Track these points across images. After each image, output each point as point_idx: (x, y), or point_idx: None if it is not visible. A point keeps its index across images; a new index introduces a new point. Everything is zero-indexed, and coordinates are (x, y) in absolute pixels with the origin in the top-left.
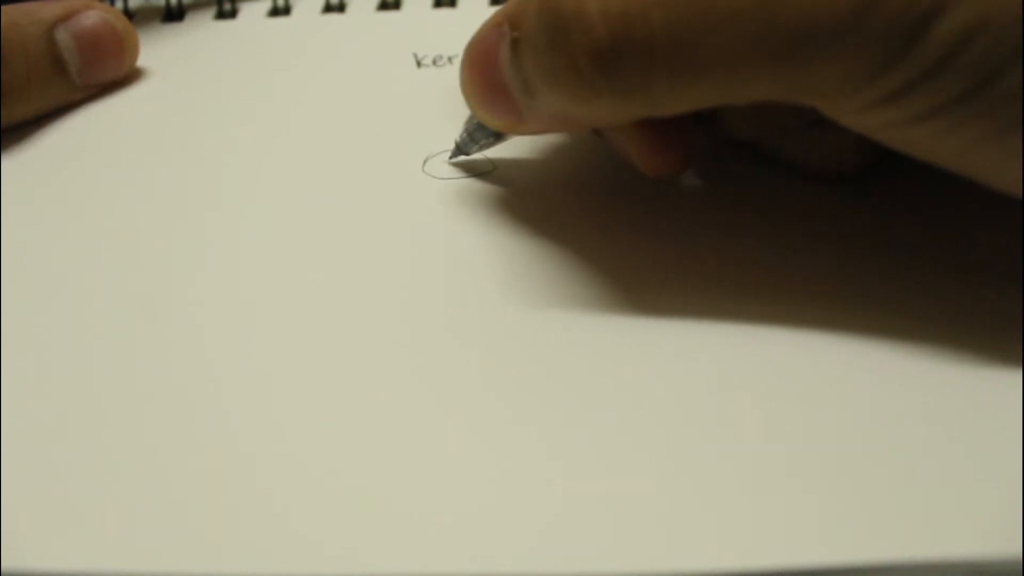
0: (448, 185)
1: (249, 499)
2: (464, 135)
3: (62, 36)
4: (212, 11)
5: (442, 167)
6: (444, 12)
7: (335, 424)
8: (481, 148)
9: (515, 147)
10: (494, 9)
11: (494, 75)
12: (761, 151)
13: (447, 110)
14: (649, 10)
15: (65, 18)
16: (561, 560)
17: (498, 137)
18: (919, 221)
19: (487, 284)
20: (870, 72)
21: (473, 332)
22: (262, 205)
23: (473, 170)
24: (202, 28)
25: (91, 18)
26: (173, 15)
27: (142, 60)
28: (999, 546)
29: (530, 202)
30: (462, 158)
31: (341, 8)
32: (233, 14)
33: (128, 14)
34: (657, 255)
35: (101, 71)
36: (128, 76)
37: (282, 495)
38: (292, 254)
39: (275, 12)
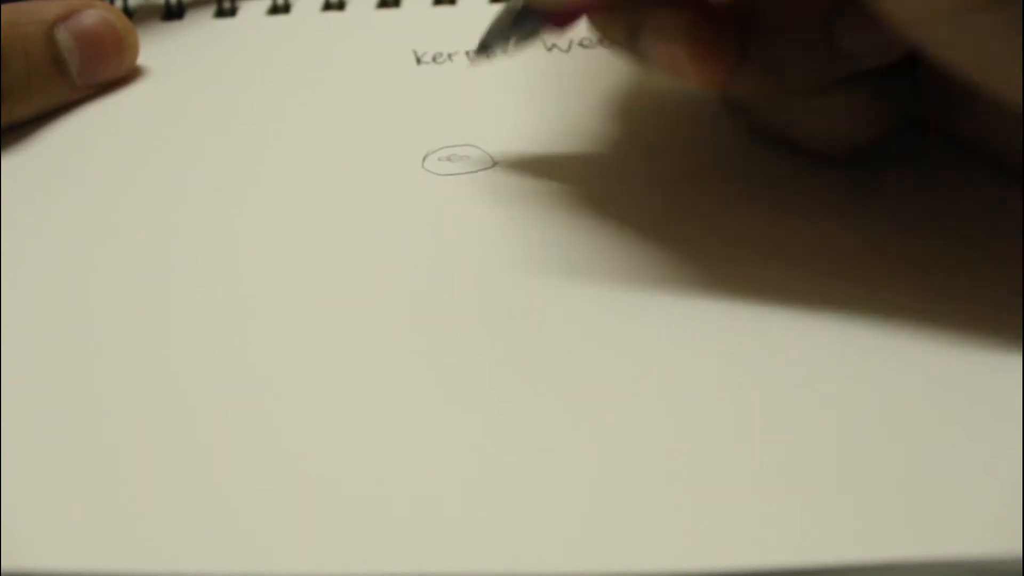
0: (448, 181)
1: (250, 499)
2: (494, 29)
3: (62, 36)
4: (212, 9)
5: (442, 164)
6: (444, 9)
7: (337, 423)
8: (508, 45)
9: (516, 144)
10: (494, 7)
11: None
12: (767, 125)
13: (447, 107)
14: None
15: (65, 17)
16: (561, 559)
17: (531, 32)
18: (919, 211)
19: (487, 281)
20: None
21: (473, 331)
22: (263, 203)
23: (473, 166)
24: (202, 26)
25: (91, 17)
26: (173, 13)
27: (142, 58)
28: (999, 546)
29: (529, 198)
30: (487, 54)
31: (341, 6)
32: (233, 12)
33: (128, 12)
34: (660, 245)
35: (101, 70)
36: (128, 75)
37: (283, 495)
38: (292, 251)
39: (275, 10)
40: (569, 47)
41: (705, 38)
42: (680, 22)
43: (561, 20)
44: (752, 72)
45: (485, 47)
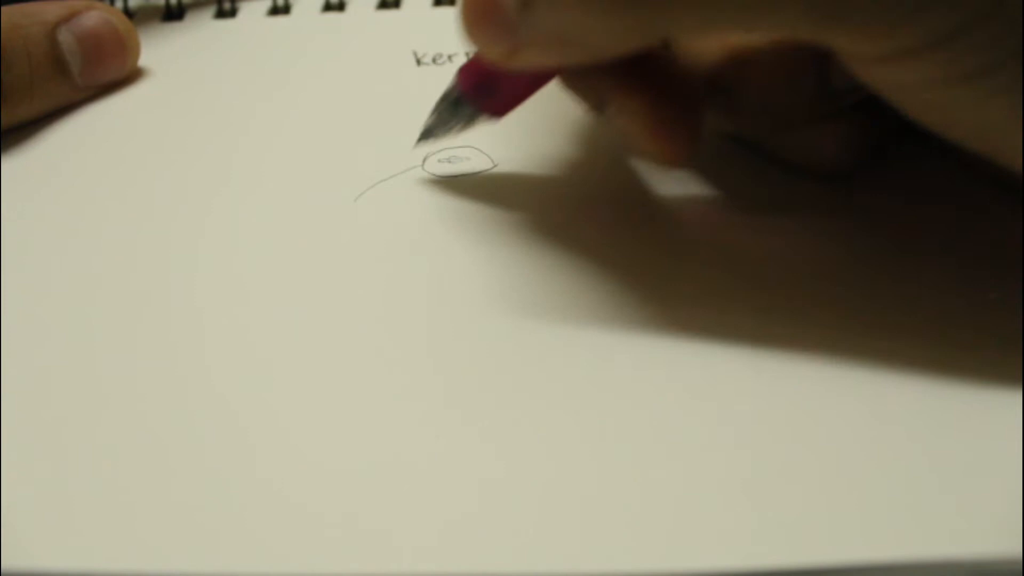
0: (449, 183)
1: (249, 499)
2: (434, 118)
3: (64, 37)
4: (212, 10)
5: (442, 165)
6: (444, 10)
7: (335, 424)
8: (449, 133)
9: (517, 144)
10: None
11: None
12: (759, 148)
13: None
14: None
15: (67, 19)
16: (563, 560)
17: (469, 122)
18: (917, 219)
19: (486, 281)
20: (910, 6)
21: (470, 332)
22: (262, 204)
23: (473, 168)
24: (202, 27)
25: (93, 19)
26: (173, 14)
27: (142, 59)
28: (999, 546)
29: (530, 201)
30: (431, 141)
31: (341, 7)
32: (233, 13)
33: (128, 13)
34: (655, 255)
35: (103, 72)
36: (129, 76)
37: (283, 495)
38: (292, 252)
39: (275, 11)
40: None
41: (664, 121)
42: (638, 106)
43: (497, 108)
44: (745, 114)
45: (428, 134)
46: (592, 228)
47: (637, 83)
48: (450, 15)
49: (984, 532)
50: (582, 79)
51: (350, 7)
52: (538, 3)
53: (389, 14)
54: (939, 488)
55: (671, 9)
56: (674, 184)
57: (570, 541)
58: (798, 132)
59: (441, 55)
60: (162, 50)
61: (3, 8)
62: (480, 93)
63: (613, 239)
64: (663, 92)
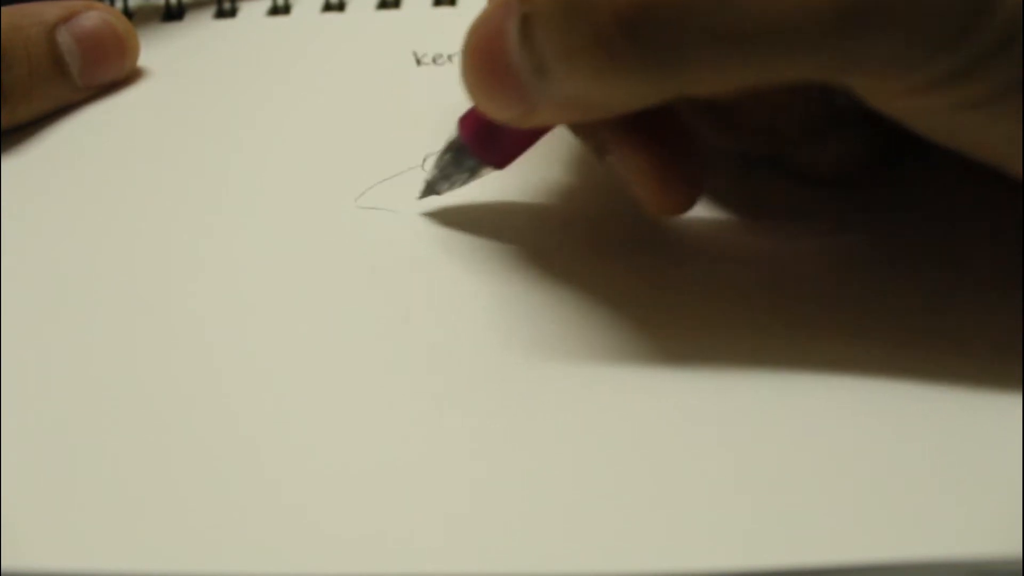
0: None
1: (249, 499)
2: (436, 172)
3: (63, 38)
4: (212, 10)
5: None
6: (444, 10)
7: (335, 425)
8: (453, 186)
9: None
10: None
11: (501, 60)
12: (760, 157)
13: (447, 108)
14: None
15: (66, 19)
16: (563, 559)
17: (472, 174)
18: (920, 224)
19: (486, 280)
20: (927, 50)
21: (471, 333)
22: (262, 204)
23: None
24: (202, 27)
25: (92, 19)
26: (173, 14)
27: (142, 59)
28: (999, 546)
29: (533, 202)
30: (433, 198)
31: (341, 7)
32: (233, 13)
33: (128, 13)
34: (658, 261)
35: (102, 72)
36: (129, 76)
37: (282, 495)
38: (292, 252)
39: (275, 11)
40: None
41: (664, 175)
42: (639, 159)
43: (500, 159)
44: (748, 133)
45: (431, 190)
46: (597, 227)
47: (638, 134)
48: (450, 15)
49: (984, 532)
50: (584, 126)
51: (350, 7)
52: (554, 70)
53: (389, 14)
54: (939, 488)
55: (689, 71)
56: None
57: (569, 541)
58: (802, 145)
59: (441, 55)
60: (162, 50)
61: (3, 8)
62: (482, 143)
63: (613, 243)
64: (664, 142)
